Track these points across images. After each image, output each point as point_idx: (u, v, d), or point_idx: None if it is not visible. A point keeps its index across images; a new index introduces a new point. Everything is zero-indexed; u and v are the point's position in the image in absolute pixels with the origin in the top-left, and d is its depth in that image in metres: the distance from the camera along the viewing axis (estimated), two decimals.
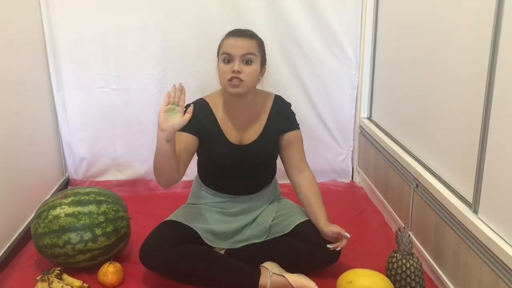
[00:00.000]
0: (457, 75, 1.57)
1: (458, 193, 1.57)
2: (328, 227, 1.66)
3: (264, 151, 1.79)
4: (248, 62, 1.62)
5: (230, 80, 1.62)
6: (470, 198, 1.47)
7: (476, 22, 1.44)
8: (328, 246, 1.64)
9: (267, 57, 1.74)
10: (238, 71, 1.60)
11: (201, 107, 1.72)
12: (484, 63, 1.34)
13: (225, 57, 1.63)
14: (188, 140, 1.67)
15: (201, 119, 1.70)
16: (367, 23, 2.38)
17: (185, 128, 1.64)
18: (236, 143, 1.75)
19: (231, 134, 1.74)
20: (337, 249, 1.64)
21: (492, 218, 1.37)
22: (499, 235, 1.32)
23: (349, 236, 1.63)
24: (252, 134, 1.77)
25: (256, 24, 2.29)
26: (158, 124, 1.50)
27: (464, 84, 1.52)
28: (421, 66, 1.85)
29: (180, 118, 1.49)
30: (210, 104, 1.75)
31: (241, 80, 1.61)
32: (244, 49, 1.61)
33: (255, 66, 1.64)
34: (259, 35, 1.75)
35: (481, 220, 1.40)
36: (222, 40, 1.68)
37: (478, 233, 1.38)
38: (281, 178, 1.97)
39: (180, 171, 1.63)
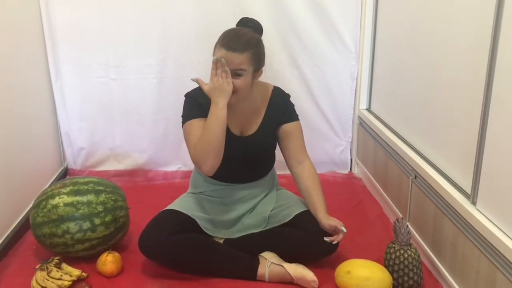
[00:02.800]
0: (456, 67, 1.56)
1: (456, 184, 1.57)
2: (326, 220, 1.66)
3: (263, 144, 1.78)
4: (238, 75, 1.60)
5: None
6: (468, 189, 1.48)
7: (477, 10, 1.43)
8: (325, 238, 1.64)
9: (266, 47, 1.71)
10: None
11: (202, 94, 1.66)
12: (484, 54, 1.34)
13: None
14: (204, 124, 1.65)
15: (204, 105, 1.67)
16: (367, 14, 2.37)
17: (195, 115, 1.67)
18: (238, 135, 1.75)
19: (233, 126, 1.73)
20: (334, 243, 1.65)
21: (490, 209, 1.37)
22: (497, 226, 1.32)
23: (345, 230, 1.63)
24: (252, 126, 1.76)
25: (256, 14, 2.25)
26: (219, 92, 1.56)
27: (464, 75, 1.51)
28: (420, 57, 1.85)
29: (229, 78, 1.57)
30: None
31: (232, 91, 1.60)
32: (234, 65, 1.57)
33: (245, 78, 1.61)
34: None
35: (479, 211, 1.41)
36: (215, 47, 1.62)
37: (476, 224, 1.39)
38: (280, 169, 1.97)
39: None
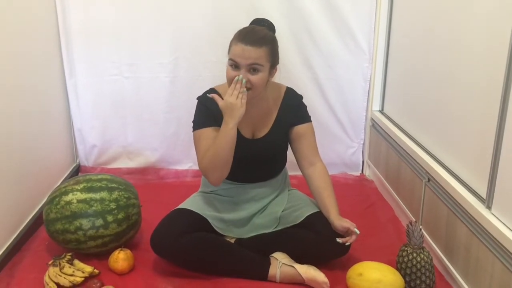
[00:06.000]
0: (472, 68, 1.55)
1: (471, 188, 1.56)
2: (338, 221, 1.66)
3: (275, 145, 1.78)
4: (255, 70, 1.60)
5: None
6: (483, 193, 1.46)
7: (494, 11, 1.42)
8: (338, 240, 1.64)
9: (279, 49, 1.72)
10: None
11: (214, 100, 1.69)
12: (503, 55, 1.32)
13: (232, 63, 1.60)
14: (214, 133, 1.67)
15: (213, 111, 1.68)
16: (381, 15, 2.36)
17: (206, 124, 1.68)
18: (249, 137, 1.75)
19: (244, 128, 1.73)
20: (346, 244, 1.64)
21: (506, 214, 1.35)
22: None
23: (358, 232, 1.62)
24: (263, 127, 1.76)
25: (269, 14, 2.27)
26: (231, 112, 1.56)
27: (480, 77, 1.50)
28: (435, 59, 1.83)
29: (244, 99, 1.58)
30: (223, 96, 1.74)
31: (247, 89, 1.60)
32: (251, 59, 1.57)
33: (262, 74, 1.61)
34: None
35: (495, 216, 1.39)
36: (232, 43, 1.62)
37: (491, 229, 1.37)
38: (291, 169, 1.96)
39: None
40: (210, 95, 1.64)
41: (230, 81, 1.61)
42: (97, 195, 1.71)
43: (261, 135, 1.76)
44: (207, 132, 1.67)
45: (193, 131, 1.72)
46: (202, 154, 1.65)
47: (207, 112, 1.70)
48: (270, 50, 1.62)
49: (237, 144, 1.63)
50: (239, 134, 1.70)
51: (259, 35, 1.61)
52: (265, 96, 1.74)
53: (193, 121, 1.74)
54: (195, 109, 1.75)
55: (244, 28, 1.65)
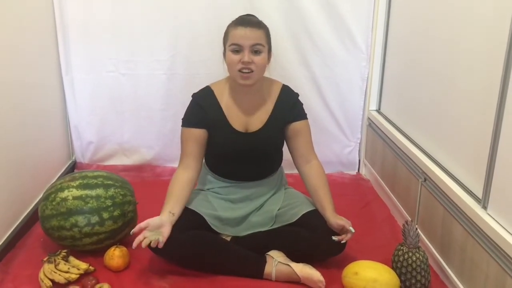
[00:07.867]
0: (469, 68, 1.55)
1: (467, 188, 1.56)
2: (334, 219, 1.66)
3: (269, 140, 1.79)
4: (257, 52, 1.64)
5: (240, 71, 1.64)
6: (479, 193, 1.46)
7: (493, 12, 1.42)
8: (333, 238, 1.64)
9: (276, 46, 1.74)
10: (249, 62, 1.62)
11: (206, 96, 1.75)
12: (500, 55, 1.32)
13: (234, 48, 1.63)
14: (198, 134, 1.73)
15: (206, 109, 1.73)
16: (379, 14, 2.36)
17: (193, 123, 1.71)
18: (242, 131, 1.75)
19: (237, 122, 1.74)
20: (342, 242, 1.64)
21: (501, 214, 1.36)
22: (508, 232, 1.31)
23: (353, 230, 1.63)
24: (257, 122, 1.77)
25: (267, 11, 2.28)
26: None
27: (477, 77, 1.50)
28: (432, 59, 1.83)
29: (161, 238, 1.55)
30: (215, 92, 1.76)
31: (251, 70, 1.64)
32: (253, 39, 1.62)
33: (264, 55, 1.66)
34: (270, 22, 1.75)
35: (490, 216, 1.40)
36: (229, 30, 1.67)
37: (487, 229, 1.37)
38: (287, 168, 1.96)
39: (198, 169, 1.76)
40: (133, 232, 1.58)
41: (232, 65, 1.65)
42: (93, 192, 1.70)
43: (255, 129, 1.76)
44: (191, 132, 1.72)
45: (181, 126, 1.76)
46: (179, 160, 1.74)
47: (198, 111, 1.72)
48: (267, 33, 1.68)
49: (230, 137, 1.67)
50: (231, 127, 1.72)
51: (256, 19, 1.69)
52: (259, 88, 1.75)
53: (183, 117, 1.75)
54: (188, 104, 1.77)
55: (238, 16, 1.70)
